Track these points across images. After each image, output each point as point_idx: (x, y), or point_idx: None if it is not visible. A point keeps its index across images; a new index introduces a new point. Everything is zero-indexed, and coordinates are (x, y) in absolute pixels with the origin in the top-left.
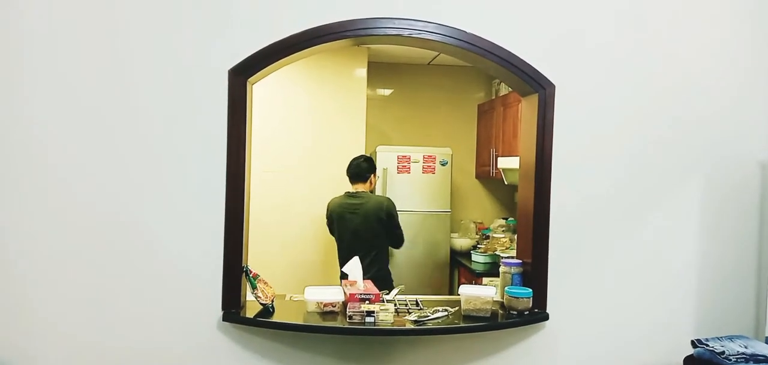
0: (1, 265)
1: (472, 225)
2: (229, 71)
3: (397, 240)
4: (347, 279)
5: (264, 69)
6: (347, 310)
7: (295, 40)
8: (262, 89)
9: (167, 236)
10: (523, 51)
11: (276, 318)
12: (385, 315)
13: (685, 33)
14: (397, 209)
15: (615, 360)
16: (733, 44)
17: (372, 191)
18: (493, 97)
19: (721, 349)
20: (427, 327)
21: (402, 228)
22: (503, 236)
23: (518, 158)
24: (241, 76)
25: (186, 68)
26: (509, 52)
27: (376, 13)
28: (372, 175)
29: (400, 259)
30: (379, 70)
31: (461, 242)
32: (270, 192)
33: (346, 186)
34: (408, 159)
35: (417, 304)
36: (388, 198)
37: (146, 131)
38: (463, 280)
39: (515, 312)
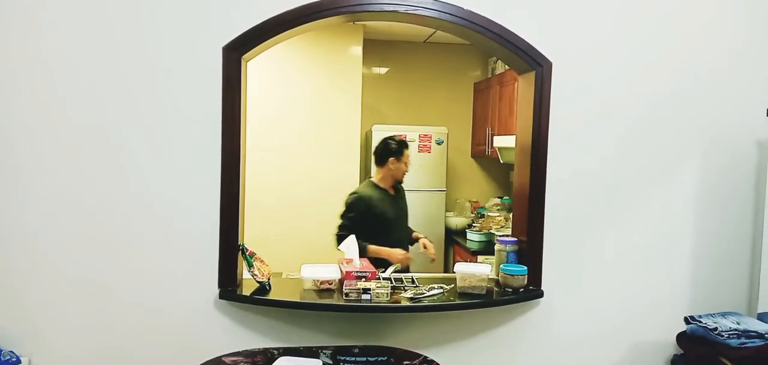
0: (1, 244)
1: (468, 204)
2: (223, 48)
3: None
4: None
5: (259, 46)
6: (343, 288)
7: (290, 16)
8: (257, 68)
9: (162, 215)
10: (521, 28)
11: (272, 296)
12: (381, 292)
13: (683, 10)
14: (352, 204)
15: (609, 337)
16: (731, 21)
17: (396, 178)
18: (490, 75)
19: (714, 325)
20: (423, 305)
21: (341, 224)
22: (498, 214)
23: (514, 136)
24: (235, 52)
25: (180, 45)
26: (506, 28)
27: None
28: (391, 158)
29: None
30: (374, 48)
31: (456, 221)
32: (266, 171)
33: (341, 165)
34: (404, 138)
35: (413, 281)
36: (354, 192)
37: (140, 109)
38: (458, 258)
39: (510, 290)
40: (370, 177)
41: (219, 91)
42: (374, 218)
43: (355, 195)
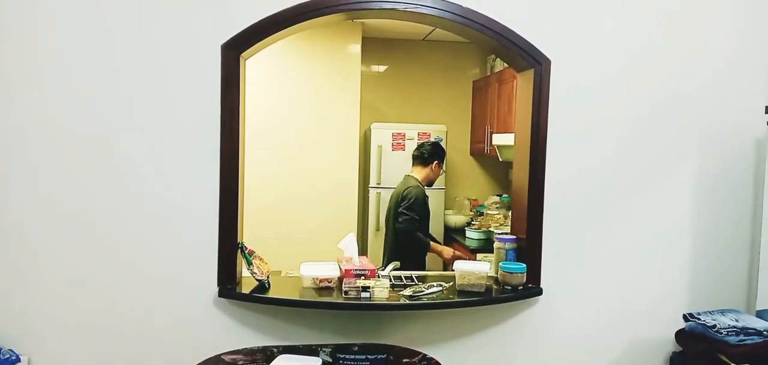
0: (1, 244)
1: (467, 202)
2: (222, 46)
3: (400, 227)
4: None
5: (257, 44)
6: (343, 285)
7: (289, 14)
8: (255, 66)
9: (161, 214)
10: (519, 25)
11: (271, 294)
12: (380, 290)
13: (683, 10)
14: (420, 198)
15: (608, 335)
16: (731, 21)
17: (430, 182)
18: (489, 73)
19: (713, 323)
20: (422, 302)
21: (412, 218)
22: (497, 212)
23: (513, 134)
24: (234, 51)
25: (178, 44)
26: (505, 26)
27: None
28: (436, 162)
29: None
30: (373, 46)
31: (456, 219)
32: (265, 169)
33: (340, 163)
34: (402, 136)
35: (412, 279)
36: (418, 186)
37: (139, 108)
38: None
39: (509, 287)
40: (409, 174)
41: (218, 89)
42: (426, 215)
43: (419, 189)
